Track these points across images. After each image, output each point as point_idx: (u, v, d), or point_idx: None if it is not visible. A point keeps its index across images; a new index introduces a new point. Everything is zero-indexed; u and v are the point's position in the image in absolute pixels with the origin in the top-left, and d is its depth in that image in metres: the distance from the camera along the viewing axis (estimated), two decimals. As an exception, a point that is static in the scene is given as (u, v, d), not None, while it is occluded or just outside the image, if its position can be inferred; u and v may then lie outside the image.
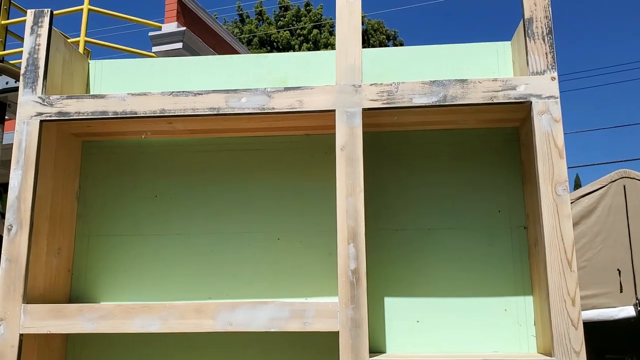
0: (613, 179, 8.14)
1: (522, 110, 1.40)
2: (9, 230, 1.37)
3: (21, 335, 1.32)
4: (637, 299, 7.78)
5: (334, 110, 1.36)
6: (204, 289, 1.55)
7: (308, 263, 1.55)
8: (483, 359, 1.22)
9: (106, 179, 1.66)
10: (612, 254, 7.89)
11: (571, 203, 8.11)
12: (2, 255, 1.35)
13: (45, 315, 1.33)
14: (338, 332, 1.27)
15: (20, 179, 1.39)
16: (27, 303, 1.34)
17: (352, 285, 1.29)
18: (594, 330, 11.45)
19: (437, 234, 1.54)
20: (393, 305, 1.51)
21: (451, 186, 1.55)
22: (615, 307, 7.77)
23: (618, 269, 7.82)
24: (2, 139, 3.70)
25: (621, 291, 7.80)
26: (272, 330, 1.29)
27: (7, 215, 1.38)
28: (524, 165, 1.50)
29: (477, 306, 1.48)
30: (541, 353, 1.37)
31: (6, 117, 4.49)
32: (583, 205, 8.14)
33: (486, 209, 1.53)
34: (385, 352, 1.44)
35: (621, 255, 7.85)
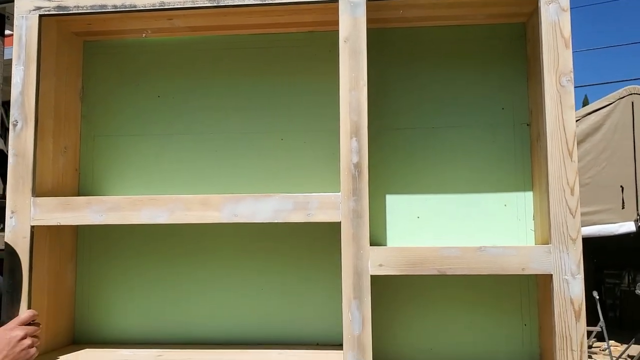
0: (621, 96, 8.04)
1: (529, 3, 1.36)
2: (15, 125, 1.38)
3: (32, 227, 1.37)
4: (638, 214, 7.87)
5: (337, 1, 1.33)
6: (208, 188, 1.57)
7: (312, 162, 1.56)
8: (480, 246, 1.26)
9: (109, 79, 1.65)
10: (615, 171, 7.93)
11: (577, 121, 8.06)
12: (9, 151, 1.37)
13: (54, 207, 1.37)
14: (340, 222, 1.31)
15: (22, 75, 1.39)
16: (36, 197, 1.38)
17: (354, 178, 1.31)
18: (594, 248, 11.69)
19: (440, 132, 1.54)
20: (394, 202, 1.53)
21: (455, 84, 1.54)
22: (616, 222, 7.90)
23: (621, 186, 7.88)
24: (3, 53, 3.64)
25: (623, 207, 7.89)
26: (276, 221, 1.33)
27: (11, 112, 1.38)
28: (529, 61, 1.48)
29: (477, 202, 1.51)
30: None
31: (6, 31, 4.40)
32: (589, 122, 8.08)
33: (490, 106, 1.52)
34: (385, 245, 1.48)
35: (625, 172, 7.88)
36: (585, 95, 27.61)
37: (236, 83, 1.60)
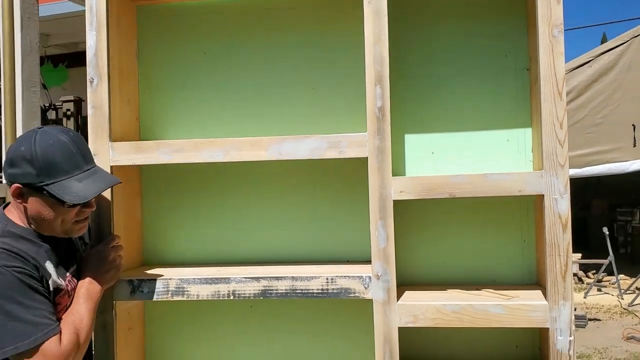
0: (635, 34, 8.06)
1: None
2: (91, 82, 1.64)
3: (111, 167, 1.65)
4: (648, 152, 8.01)
5: (360, -32, 1.55)
6: (251, 132, 1.83)
7: (340, 107, 1.81)
8: (484, 173, 1.52)
9: (159, 39, 1.89)
10: (628, 110, 8.06)
11: (590, 61, 8.12)
12: (88, 104, 1.64)
13: (128, 150, 1.65)
14: (367, 157, 1.57)
15: (95, 39, 1.64)
16: (112, 140, 1.65)
17: (378, 120, 1.56)
18: (607, 187, 11.88)
19: (450, 78, 1.78)
20: (412, 140, 1.79)
21: (464, 34, 1.76)
22: (627, 161, 8.07)
23: (633, 125, 8.02)
24: (38, 11, 3.86)
25: (634, 145, 8.06)
26: (313, 158, 1.59)
27: (88, 70, 1.64)
28: (528, 15, 1.69)
29: (484, 139, 1.76)
30: (535, 172, 1.66)
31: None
32: (602, 62, 8.16)
33: (494, 54, 1.75)
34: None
35: (637, 110, 8.01)
36: (604, 33, 27.04)
37: (272, 40, 1.84)
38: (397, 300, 1.56)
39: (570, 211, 1.49)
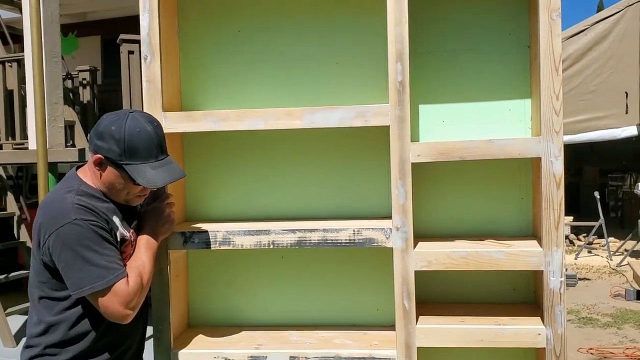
0: (630, 3, 8.21)
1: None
2: (145, 59, 1.86)
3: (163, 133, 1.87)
4: (640, 119, 8.27)
5: (384, -42, 1.76)
6: (281, 103, 2.06)
7: (361, 80, 2.04)
8: (489, 139, 1.76)
9: (197, 19, 2.10)
10: (621, 78, 8.28)
11: (585, 29, 8.28)
12: (143, 78, 1.87)
13: (179, 119, 1.88)
14: (389, 126, 1.80)
15: (148, 21, 1.85)
16: (164, 110, 1.88)
17: (399, 93, 1.79)
18: (599, 153, 12.14)
19: (459, 54, 2.00)
20: (425, 110, 2.02)
21: (472, 15, 1.98)
22: (619, 127, 8.33)
23: (626, 92, 8.26)
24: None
25: (626, 112, 8.32)
26: (342, 126, 1.83)
27: (142, 49, 1.86)
28: (531, -4, 1.91)
29: (488, 108, 1.99)
30: (533, 138, 1.91)
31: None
32: (597, 31, 8.34)
33: (499, 32, 1.97)
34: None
35: (630, 79, 8.23)
36: (601, 0, 26.96)
37: (300, 19, 2.05)
38: (414, 249, 1.82)
39: (563, 171, 1.74)
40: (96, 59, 7.67)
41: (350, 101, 2.00)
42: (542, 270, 1.77)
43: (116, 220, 1.76)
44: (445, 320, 1.87)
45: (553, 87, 1.71)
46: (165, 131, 1.85)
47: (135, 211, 1.88)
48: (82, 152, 4.36)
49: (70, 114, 4.83)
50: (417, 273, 1.84)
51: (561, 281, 1.76)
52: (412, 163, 1.80)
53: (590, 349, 4.67)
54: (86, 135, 4.96)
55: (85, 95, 5.49)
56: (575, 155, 12.81)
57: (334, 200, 2.06)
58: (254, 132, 2.00)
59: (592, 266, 7.71)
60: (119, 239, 1.76)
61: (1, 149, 5.15)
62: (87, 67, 5.59)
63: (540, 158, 1.75)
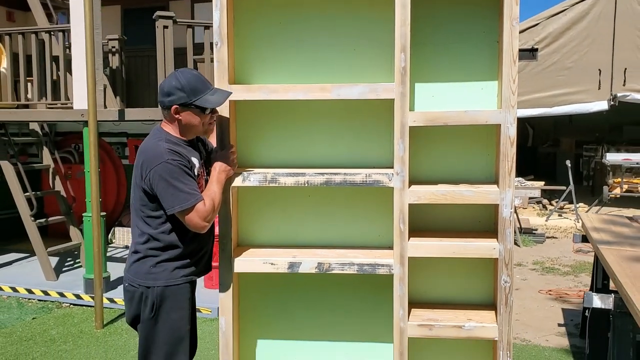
0: (607, -13, 8.86)
1: (501, -26, 2.46)
2: (216, 45, 2.54)
3: (229, 101, 2.56)
4: (611, 94, 9.06)
5: (394, -23, 2.43)
6: (311, 80, 2.74)
7: (375, 64, 2.72)
8: (465, 110, 2.48)
9: (248, 12, 2.76)
10: (596, 57, 9.03)
11: (565, 10, 8.95)
12: (215, 60, 2.54)
13: (241, 90, 2.56)
14: (394, 99, 2.51)
15: (219, 15, 2.52)
16: (229, 84, 2.57)
17: (402, 75, 2.49)
18: (576, 126, 12.94)
19: (446, 46, 2.69)
20: (420, 88, 2.72)
21: (457, 15, 2.66)
22: (592, 102, 9.10)
23: (599, 69, 9.00)
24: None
25: (599, 88, 9.08)
26: (360, 98, 2.53)
27: (214, 37, 2.53)
28: (500, 6, 2.59)
29: (467, 87, 2.69)
30: (498, 110, 2.62)
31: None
32: (576, 11, 9.03)
33: (477, 30, 2.66)
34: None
35: (604, 57, 8.98)
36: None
37: (328, 14, 2.71)
38: (409, 188, 2.55)
39: (516, 135, 2.46)
40: (116, 27, 8.22)
41: (365, 80, 2.69)
42: (498, 204, 2.51)
43: (194, 160, 2.48)
44: (428, 239, 2.62)
45: (511, 74, 2.43)
46: (229, 99, 2.55)
47: (201, 155, 2.59)
48: (121, 112, 5.02)
49: (103, 79, 5.45)
50: (410, 206, 2.57)
51: (511, 212, 2.51)
52: (409, 126, 2.52)
53: (550, 290, 5.50)
54: (115, 97, 5.59)
55: (114, 61, 6.09)
56: (555, 127, 13.63)
57: (351, 153, 2.77)
58: (293, 101, 2.70)
59: (560, 227, 8.55)
60: (196, 174, 2.47)
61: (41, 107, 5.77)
62: (116, 37, 6.19)
63: (500, 125, 2.47)
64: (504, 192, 2.50)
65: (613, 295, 2.58)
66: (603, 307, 2.59)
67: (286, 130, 2.81)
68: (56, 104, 5.68)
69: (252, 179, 2.61)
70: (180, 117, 2.45)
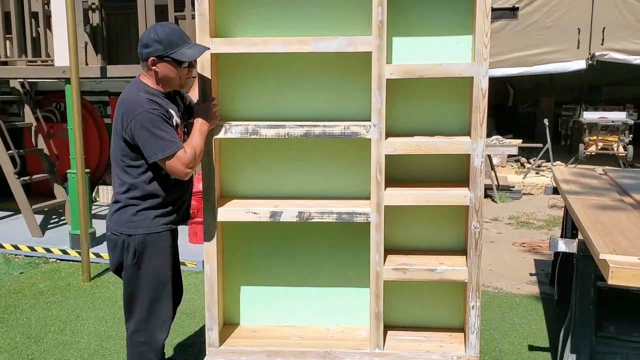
0: (587, -54, 8.87)
1: None
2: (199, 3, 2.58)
3: (211, 54, 2.62)
4: (589, 53, 9.17)
5: None
6: (291, 33, 2.80)
7: (352, 18, 2.78)
8: (440, 63, 2.57)
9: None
10: (575, 16, 9.10)
11: (546, -32, 8.94)
12: (196, 13, 2.59)
13: (222, 43, 2.62)
14: (371, 52, 2.58)
15: (200, -30, 2.56)
16: (210, 37, 2.62)
17: (379, 28, 2.56)
18: (555, 86, 13.06)
19: (422, 1, 2.75)
20: (397, 41, 2.78)
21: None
22: (570, 61, 9.21)
23: (578, 29, 9.09)
24: None
25: (578, 47, 9.18)
26: (338, 51, 2.60)
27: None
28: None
29: (442, 41, 2.76)
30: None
31: None
32: (558, -31, 9.01)
33: (455, 17, 2.73)
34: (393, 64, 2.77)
35: (583, 16, 9.05)
36: None
37: (307, -30, 2.77)
38: (385, 139, 2.65)
39: (487, 87, 2.57)
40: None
41: (344, 33, 2.76)
42: (470, 154, 2.63)
43: (172, 112, 2.57)
44: (403, 189, 2.74)
45: (484, 28, 2.51)
46: (212, 51, 2.61)
47: (179, 107, 2.66)
48: (103, 69, 5.02)
49: (84, 36, 5.41)
50: (386, 157, 2.68)
51: (482, 161, 2.63)
52: (386, 79, 2.60)
53: (523, 243, 5.71)
54: (97, 55, 5.57)
55: (95, 18, 6.03)
56: (535, 86, 13.76)
57: (330, 107, 2.85)
58: (274, 55, 2.76)
59: (537, 184, 8.77)
60: (174, 124, 2.55)
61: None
62: (96, -7, 6.14)
63: (473, 77, 2.57)
64: (475, 142, 2.62)
65: (577, 240, 2.74)
66: (567, 251, 2.75)
67: (267, 84, 2.88)
68: (36, 61, 5.65)
69: (233, 130, 2.70)
70: (157, 69, 2.51)
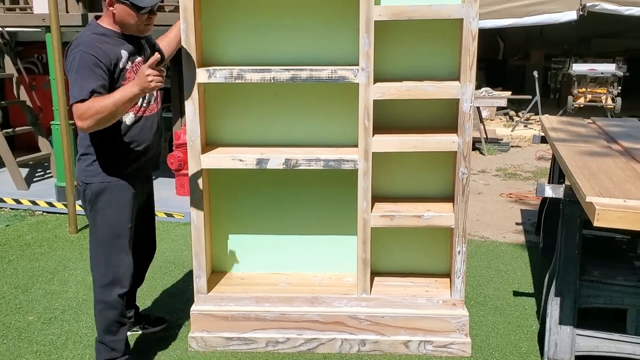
0: None
1: None
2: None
3: None
4: (580, 4, 9.04)
5: None
6: None
7: None
8: (429, 4, 2.50)
9: None
10: (567, -35, 8.87)
11: None
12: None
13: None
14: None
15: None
16: None
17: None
18: (546, 38, 12.86)
19: None
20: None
21: None
22: (561, 12, 9.07)
23: (570, -22, 8.89)
24: None
25: (569, -3, 9.01)
26: (324, -8, 2.52)
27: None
28: None
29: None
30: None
31: None
32: None
33: None
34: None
35: (575, -35, 8.83)
36: None
37: None
38: (374, 84, 2.61)
39: (477, 29, 2.51)
40: None
41: (330, -25, 2.67)
42: (459, 99, 2.60)
43: (123, 52, 2.43)
44: (391, 135, 2.71)
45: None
46: None
47: (143, 51, 2.56)
48: (84, 16, 4.86)
49: (62, -18, 5.22)
50: (375, 103, 2.63)
51: (470, 106, 2.60)
52: (375, 21, 2.54)
53: (510, 194, 5.74)
54: (78, 3, 5.40)
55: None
56: (527, 39, 13.60)
57: (318, 51, 2.79)
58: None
59: (525, 137, 8.77)
60: (121, 67, 2.40)
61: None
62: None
63: (463, 19, 2.51)
64: (464, 86, 2.58)
65: (564, 185, 2.74)
66: (554, 196, 2.75)
67: (252, 28, 2.80)
68: (15, 9, 5.45)
69: (217, 75, 2.63)
70: (114, 10, 2.42)
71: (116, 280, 2.54)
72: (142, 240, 2.80)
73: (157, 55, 2.37)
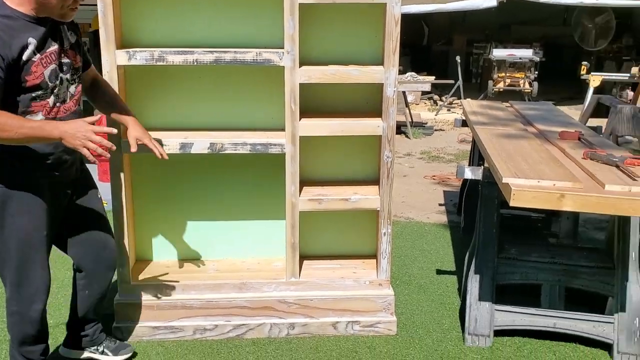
0: None
1: None
2: None
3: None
4: (500, -8, 9.35)
5: None
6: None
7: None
8: None
9: None
10: (488, -48, 9.16)
11: None
12: None
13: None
14: (283, -25, 2.48)
15: None
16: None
17: (290, -50, 2.45)
18: (469, 24, 13.29)
19: None
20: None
21: None
22: (482, -2, 9.36)
23: (490, -34, 9.19)
24: None
25: (490, -15, 9.31)
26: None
27: None
28: None
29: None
30: None
31: None
32: None
33: None
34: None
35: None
36: None
37: None
38: (299, 68, 2.59)
39: (400, 14, 2.55)
40: None
41: (254, -45, 2.62)
42: (383, 83, 2.63)
43: (31, 39, 2.05)
44: (318, 119, 2.72)
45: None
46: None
47: (62, 41, 2.20)
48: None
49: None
50: (301, 86, 2.63)
51: (394, 91, 2.64)
52: (299, 3, 2.52)
53: (434, 176, 5.92)
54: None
55: None
56: (450, 25, 13.98)
57: (241, 32, 2.74)
58: None
59: (448, 120, 9.05)
60: (24, 58, 2.03)
61: None
62: None
63: (386, 4, 2.54)
64: (388, 71, 2.62)
65: (482, 167, 2.85)
66: (473, 177, 2.86)
67: (176, 8, 2.71)
68: None
69: (138, 57, 2.54)
70: None
71: (36, 294, 2.28)
72: (93, 247, 2.49)
73: (112, 130, 2.19)
